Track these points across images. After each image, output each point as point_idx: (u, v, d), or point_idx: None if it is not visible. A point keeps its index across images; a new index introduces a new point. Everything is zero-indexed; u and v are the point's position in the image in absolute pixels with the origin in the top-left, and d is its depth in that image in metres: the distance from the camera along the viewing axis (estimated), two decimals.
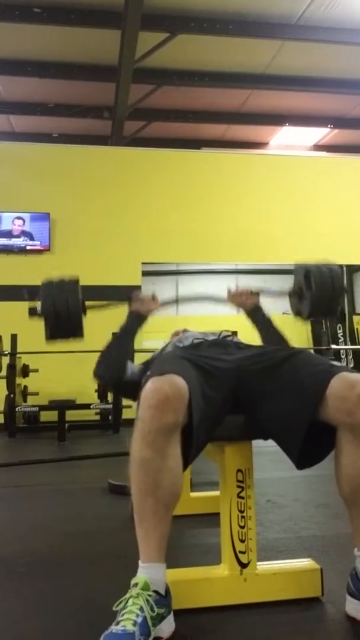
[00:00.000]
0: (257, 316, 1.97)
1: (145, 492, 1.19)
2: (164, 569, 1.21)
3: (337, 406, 1.17)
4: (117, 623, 1.10)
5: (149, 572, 1.18)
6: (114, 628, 1.08)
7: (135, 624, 1.08)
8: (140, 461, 1.18)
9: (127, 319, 1.96)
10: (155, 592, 1.16)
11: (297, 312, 1.94)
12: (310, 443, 1.24)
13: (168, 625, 1.18)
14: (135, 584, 1.16)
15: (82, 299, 1.81)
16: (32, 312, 1.76)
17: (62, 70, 6.00)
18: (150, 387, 1.17)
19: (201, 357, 1.42)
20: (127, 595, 1.15)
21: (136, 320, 1.96)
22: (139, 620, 1.09)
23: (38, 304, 1.74)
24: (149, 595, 1.14)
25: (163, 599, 1.17)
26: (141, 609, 1.11)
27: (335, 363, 1.31)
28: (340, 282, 1.83)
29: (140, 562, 1.20)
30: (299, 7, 5.18)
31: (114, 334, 1.92)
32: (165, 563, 1.22)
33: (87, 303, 1.85)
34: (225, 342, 1.65)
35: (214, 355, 1.46)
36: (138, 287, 4.93)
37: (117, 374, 1.82)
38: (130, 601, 1.13)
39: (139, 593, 1.14)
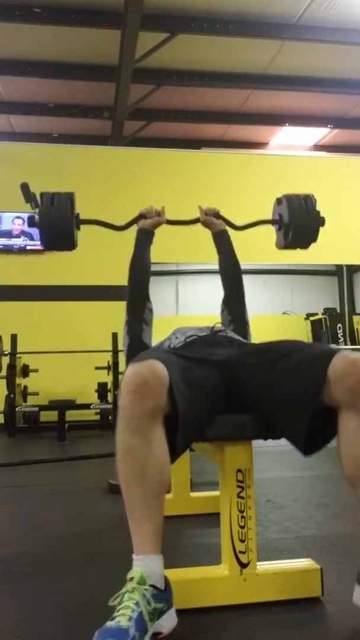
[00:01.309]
0: (221, 240, 2.13)
1: (133, 482, 1.17)
2: (161, 561, 1.17)
3: (340, 384, 1.16)
4: (113, 618, 1.07)
5: (145, 564, 1.15)
6: (108, 623, 1.06)
7: (130, 619, 1.05)
8: (126, 449, 1.16)
9: (137, 236, 2.06)
10: (153, 586, 1.13)
11: (280, 241, 2.12)
12: (314, 428, 1.22)
13: (168, 620, 1.15)
14: (131, 578, 1.13)
15: (76, 213, 1.93)
16: (31, 222, 1.89)
17: (62, 70, 6.01)
18: (129, 372, 1.16)
19: (192, 349, 1.44)
20: (123, 590, 1.12)
21: (145, 236, 2.05)
22: (135, 615, 1.06)
23: (37, 214, 1.87)
24: (146, 590, 1.11)
25: (161, 593, 1.14)
26: (137, 603, 1.08)
27: (332, 346, 1.30)
28: (313, 208, 1.99)
29: (134, 555, 1.17)
30: (299, 7, 5.18)
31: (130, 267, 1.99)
32: (162, 555, 1.18)
33: (82, 218, 1.98)
34: (217, 339, 1.63)
35: (205, 352, 1.46)
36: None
37: (143, 284, 1.93)
38: (126, 596, 1.10)
39: (134, 587, 1.11)
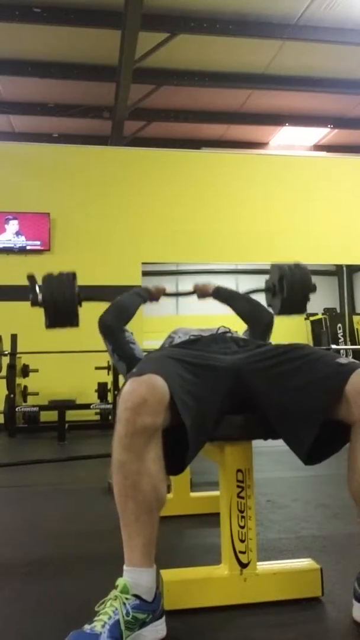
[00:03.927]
0: (220, 296, 2.15)
1: (125, 495, 1.17)
2: (151, 574, 1.17)
3: (358, 402, 1.16)
4: (91, 622, 1.09)
5: (131, 576, 1.16)
6: (85, 627, 1.08)
7: (104, 625, 1.07)
8: (118, 463, 1.15)
9: (133, 290, 2.09)
10: (136, 596, 1.13)
11: (269, 305, 2.18)
12: (319, 440, 1.22)
13: (152, 632, 1.15)
14: (117, 586, 1.15)
15: (78, 291, 1.97)
16: (34, 302, 1.92)
17: (62, 70, 6.01)
18: (128, 388, 1.14)
19: (195, 354, 1.40)
20: (108, 597, 1.14)
21: (146, 293, 2.09)
22: (110, 622, 1.08)
23: (39, 295, 1.92)
24: (127, 599, 1.12)
25: (146, 604, 1.14)
26: (115, 611, 1.09)
27: (343, 360, 1.29)
28: (308, 285, 2.06)
29: (124, 565, 1.18)
30: (299, 7, 5.18)
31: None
32: (154, 567, 1.18)
33: (83, 296, 2.01)
34: (223, 338, 1.62)
35: (211, 353, 1.44)
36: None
37: (124, 321, 1.93)
38: (108, 602, 1.12)
39: (117, 595, 1.13)
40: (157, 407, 1.12)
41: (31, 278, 1.95)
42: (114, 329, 1.88)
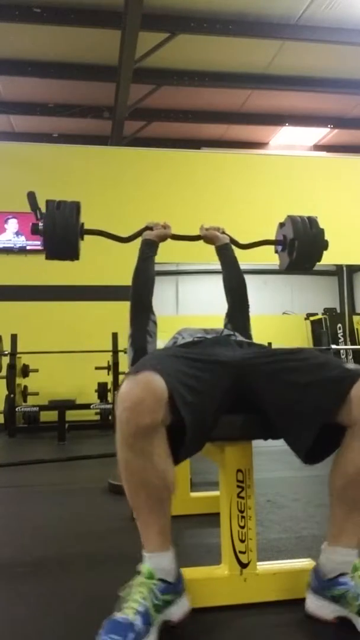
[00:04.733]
0: (225, 253, 2.13)
1: (135, 490, 1.19)
2: (170, 556, 1.22)
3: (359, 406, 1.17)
4: (121, 609, 1.12)
5: (152, 562, 1.20)
6: (117, 614, 1.11)
7: (136, 612, 1.10)
8: (124, 462, 1.17)
9: (141, 247, 2.03)
10: (161, 580, 1.18)
11: (276, 253, 2.15)
12: (318, 439, 1.23)
13: (179, 608, 1.20)
14: (140, 572, 1.19)
15: (81, 223, 1.90)
16: (34, 230, 1.84)
17: (62, 70, 6.01)
18: (125, 389, 1.14)
19: (197, 351, 1.41)
20: (132, 582, 1.18)
21: (150, 248, 2.02)
22: (141, 609, 1.11)
23: (41, 222, 1.84)
24: (154, 584, 1.16)
25: (171, 585, 1.19)
26: (144, 597, 1.14)
27: (349, 365, 1.29)
28: (321, 244, 1.99)
29: (143, 551, 1.22)
30: (299, 7, 5.18)
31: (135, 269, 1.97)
32: (171, 549, 1.22)
33: (86, 228, 1.95)
34: (227, 341, 1.62)
35: (213, 353, 1.43)
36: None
37: (147, 296, 1.90)
38: (134, 589, 1.16)
39: (142, 582, 1.17)
40: (154, 406, 1.12)
41: (32, 195, 1.85)
42: (144, 306, 1.87)
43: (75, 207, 1.89)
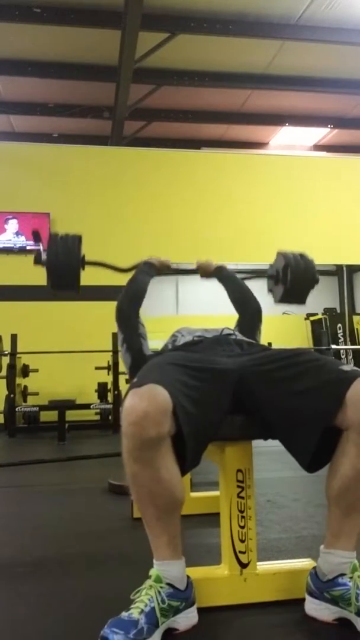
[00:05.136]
0: (223, 275, 2.17)
1: (143, 502, 1.21)
2: (181, 565, 1.23)
3: (356, 408, 1.17)
4: (128, 610, 1.15)
5: (161, 568, 1.22)
6: (122, 614, 1.14)
7: (142, 612, 1.13)
8: (132, 475, 1.18)
9: (140, 267, 2.08)
10: (169, 584, 1.20)
11: (270, 291, 2.16)
12: (320, 446, 1.23)
13: (186, 619, 1.21)
14: (150, 576, 1.21)
15: (82, 255, 1.94)
16: (37, 261, 1.90)
17: (62, 70, 6.01)
18: (129, 403, 1.14)
19: (198, 358, 1.40)
20: (143, 586, 1.20)
21: (150, 268, 2.07)
22: (147, 609, 1.14)
23: (44, 255, 1.89)
24: (161, 588, 1.18)
25: (179, 592, 1.20)
26: (150, 599, 1.16)
27: (346, 367, 1.29)
28: (312, 277, 2.02)
29: (154, 559, 1.23)
30: (299, 7, 5.19)
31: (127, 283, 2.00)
32: (182, 558, 1.24)
33: (87, 260, 1.98)
34: (227, 340, 1.61)
35: (213, 356, 1.43)
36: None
37: (138, 306, 1.93)
38: (144, 591, 1.18)
39: (151, 585, 1.19)
40: (160, 418, 1.13)
41: (36, 234, 1.95)
42: (131, 315, 1.88)
43: (78, 239, 1.94)
